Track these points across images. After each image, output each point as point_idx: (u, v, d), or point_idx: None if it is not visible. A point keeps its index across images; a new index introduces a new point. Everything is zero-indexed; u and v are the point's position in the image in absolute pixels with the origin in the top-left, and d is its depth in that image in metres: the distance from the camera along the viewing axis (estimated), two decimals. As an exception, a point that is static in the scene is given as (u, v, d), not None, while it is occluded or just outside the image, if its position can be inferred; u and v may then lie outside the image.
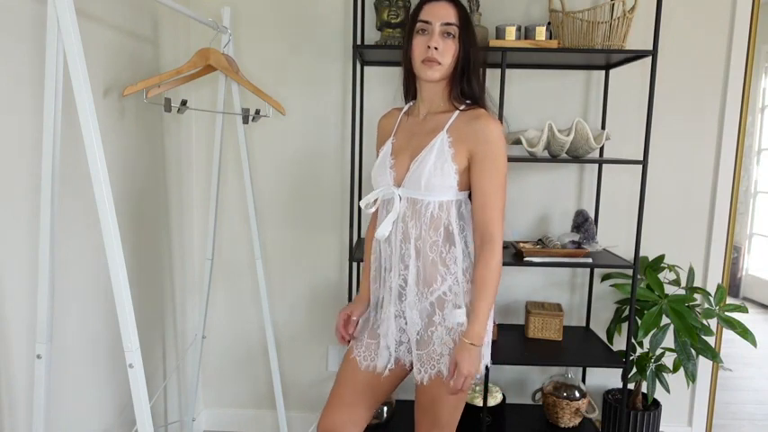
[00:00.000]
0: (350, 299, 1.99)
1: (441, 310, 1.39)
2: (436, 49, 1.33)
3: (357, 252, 2.08)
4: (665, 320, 2.10)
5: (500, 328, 2.31)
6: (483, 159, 1.34)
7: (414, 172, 1.37)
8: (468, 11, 2.04)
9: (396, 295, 1.43)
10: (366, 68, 2.29)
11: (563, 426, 2.24)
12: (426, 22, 1.35)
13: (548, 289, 2.42)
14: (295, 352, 2.49)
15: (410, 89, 1.49)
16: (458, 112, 1.40)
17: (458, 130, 1.36)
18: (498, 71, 1.96)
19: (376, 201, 1.46)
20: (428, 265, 1.38)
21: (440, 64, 1.35)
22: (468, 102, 1.41)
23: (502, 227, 1.36)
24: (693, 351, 2.09)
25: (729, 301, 2.22)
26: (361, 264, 2.19)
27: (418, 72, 1.39)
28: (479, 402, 2.16)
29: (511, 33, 1.95)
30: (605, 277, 2.34)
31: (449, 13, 1.34)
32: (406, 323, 1.44)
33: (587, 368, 2.42)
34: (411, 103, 1.51)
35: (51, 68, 1.25)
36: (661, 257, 2.28)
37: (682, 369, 2.09)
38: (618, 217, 2.35)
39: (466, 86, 1.39)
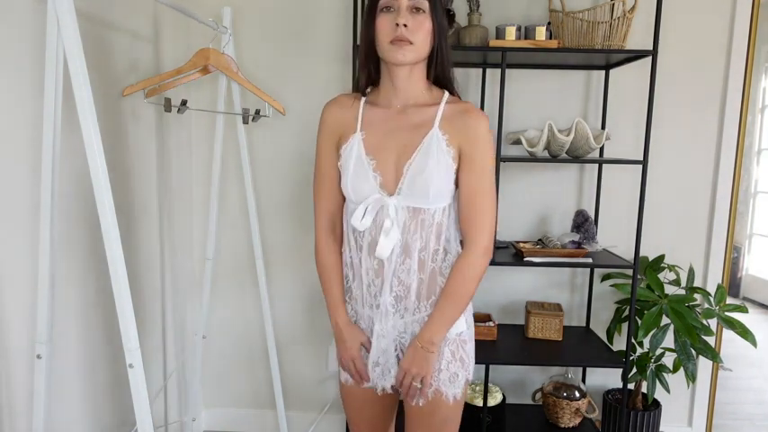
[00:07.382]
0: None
1: None
2: (405, 26, 1.14)
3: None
4: (665, 320, 2.10)
5: (500, 328, 2.31)
6: (472, 159, 1.21)
7: (414, 178, 1.20)
8: (469, 10, 2.06)
9: (384, 313, 1.27)
10: (366, 68, 2.28)
11: (563, 426, 2.24)
12: None
13: (548, 289, 2.42)
14: (295, 352, 2.48)
15: (369, 78, 1.29)
16: (443, 104, 1.24)
17: (448, 125, 1.21)
18: (498, 71, 1.96)
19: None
20: (429, 277, 1.25)
21: (411, 43, 1.16)
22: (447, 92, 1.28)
23: (491, 234, 1.22)
24: (693, 351, 2.09)
25: (729, 301, 2.22)
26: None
27: (386, 56, 1.19)
28: (479, 402, 2.16)
29: (511, 33, 1.95)
30: (605, 277, 2.34)
31: None
32: (398, 342, 1.30)
33: (587, 368, 2.41)
34: (369, 90, 1.32)
35: (51, 68, 1.24)
36: (661, 257, 2.27)
37: (682, 369, 2.09)
38: (618, 217, 2.35)
39: (439, 70, 1.24)
